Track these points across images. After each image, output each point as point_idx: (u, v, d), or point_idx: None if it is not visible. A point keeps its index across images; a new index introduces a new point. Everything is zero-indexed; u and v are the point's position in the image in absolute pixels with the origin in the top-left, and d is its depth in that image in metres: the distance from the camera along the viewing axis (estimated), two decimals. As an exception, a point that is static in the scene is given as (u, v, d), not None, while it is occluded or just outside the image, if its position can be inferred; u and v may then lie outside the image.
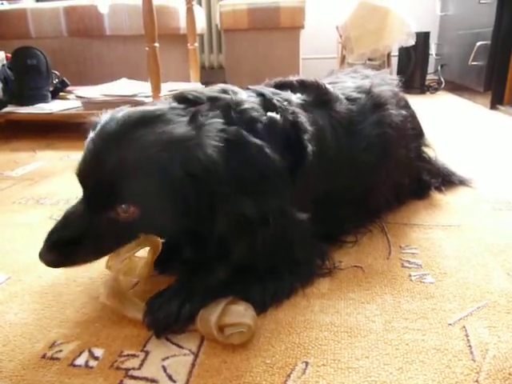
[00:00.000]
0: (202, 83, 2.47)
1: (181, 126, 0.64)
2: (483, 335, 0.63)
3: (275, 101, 0.78)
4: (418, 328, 0.65)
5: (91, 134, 0.66)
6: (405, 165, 1.04)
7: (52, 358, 0.61)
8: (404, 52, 3.33)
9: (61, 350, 0.62)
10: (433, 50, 3.49)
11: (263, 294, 0.70)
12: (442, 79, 3.39)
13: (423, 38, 3.26)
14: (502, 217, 1.04)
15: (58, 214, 1.10)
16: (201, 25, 3.10)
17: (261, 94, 0.80)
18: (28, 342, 0.64)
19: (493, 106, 2.52)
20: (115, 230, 0.65)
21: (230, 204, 0.64)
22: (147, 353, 0.61)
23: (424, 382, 0.55)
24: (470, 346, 0.61)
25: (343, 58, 3.26)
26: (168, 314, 0.64)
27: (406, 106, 1.10)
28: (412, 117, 1.12)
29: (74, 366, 0.59)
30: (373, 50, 3.07)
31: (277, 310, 0.70)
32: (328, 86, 0.92)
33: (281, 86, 0.90)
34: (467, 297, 0.72)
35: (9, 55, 2.15)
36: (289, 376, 0.56)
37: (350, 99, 0.93)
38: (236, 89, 0.79)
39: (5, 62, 2.15)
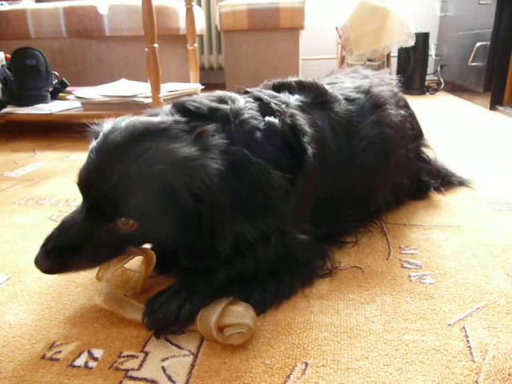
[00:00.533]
0: (202, 84, 2.47)
1: (186, 145, 0.65)
2: (483, 336, 0.63)
3: (273, 104, 0.78)
4: (418, 328, 0.65)
5: (94, 144, 0.66)
6: (404, 165, 1.04)
7: (51, 359, 0.61)
8: (403, 53, 3.34)
9: (60, 351, 0.62)
10: (432, 50, 3.50)
11: (263, 295, 0.70)
12: (442, 80, 3.39)
13: (423, 38, 3.27)
14: (501, 217, 1.04)
15: (57, 214, 1.10)
16: (200, 25, 3.10)
17: (258, 99, 0.80)
18: (27, 342, 0.64)
19: (492, 107, 2.53)
20: (113, 241, 0.65)
21: (230, 227, 0.65)
22: (147, 353, 0.61)
23: (423, 383, 0.55)
24: (469, 346, 0.61)
25: (343, 59, 3.26)
26: (167, 313, 0.64)
27: (406, 106, 1.10)
28: (411, 117, 1.12)
29: (74, 366, 0.59)
30: (372, 51, 3.08)
31: (276, 311, 0.70)
32: (327, 86, 0.92)
33: (279, 87, 0.90)
34: (467, 297, 0.72)
35: (8, 56, 2.15)
36: (288, 377, 0.56)
37: (349, 99, 0.93)
38: (233, 96, 0.78)
39: (4, 62, 2.15)
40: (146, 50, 1.83)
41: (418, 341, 0.62)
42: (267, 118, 0.75)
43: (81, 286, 0.79)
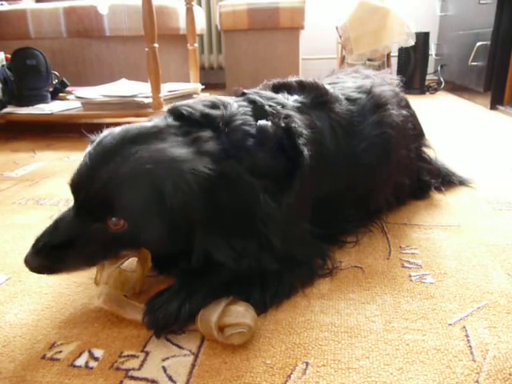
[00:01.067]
0: (202, 84, 2.47)
1: (177, 147, 0.65)
2: (483, 335, 0.63)
3: (267, 107, 0.78)
4: (419, 328, 0.65)
5: (88, 148, 0.67)
6: (405, 165, 1.04)
7: (52, 359, 0.61)
8: (404, 52, 3.33)
9: (61, 351, 0.62)
10: (432, 50, 3.50)
11: (263, 295, 0.70)
12: (442, 79, 3.39)
13: (423, 38, 3.26)
14: (501, 217, 1.04)
15: (57, 214, 1.10)
16: (200, 25, 3.10)
17: (252, 102, 0.79)
18: (28, 342, 0.64)
19: (492, 107, 2.53)
20: (104, 241, 0.65)
21: (202, 240, 0.65)
22: (147, 353, 0.61)
23: (424, 383, 0.55)
24: (470, 346, 0.61)
25: (343, 59, 3.26)
26: (168, 313, 0.64)
27: (407, 106, 1.10)
28: (413, 117, 1.12)
29: (74, 366, 0.59)
30: (372, 51, 3.08)
31: (277, 311, 0.70)
32: (328, 86, 0.92)
33: (279, 88, 0.90)
34: (467, 297, 0.72)
35: (8, 56, 2.15)
36: (289, 376, 0.56)
37: (350, 99, 0.93)
38: (226, 101, 0.78)
39: (4, 62, 2.15)
40: (146, 49, 1.83)
41: (418, 340, 0.62)
42: (259, 122, 0.74)
43: (81, 285, 0.79)
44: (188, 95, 2.27)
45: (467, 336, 0.63)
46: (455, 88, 3.23)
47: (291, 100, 0.84)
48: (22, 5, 2.92)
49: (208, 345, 0.63)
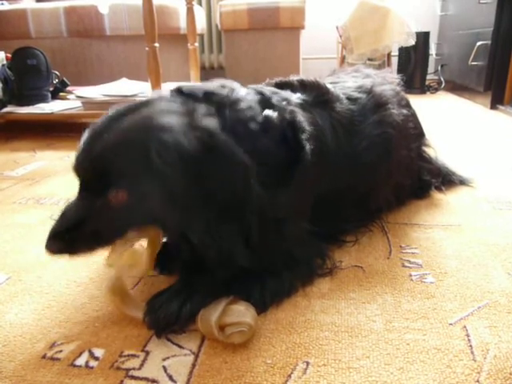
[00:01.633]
0: (202, 83, 2.47)
1: (168, 116, 0.64)
2: (484, 335, 0.63)
3: (274, 100, 0.78)
4: (419, 328, 0.65)
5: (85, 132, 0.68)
6: (406, 165, 1.04)
7: (52, 359, 0.61)
8: (404, 52, 3.33)
9: (61, 351, 0.62)
10: (433, 49, 3.49)
11: (264, 294, 0.70)
12: (442, 79, 3.39)
13: (423, 37, 3.26)
14: (502, 216, 1.04)
15: (58, 213, 1.10)
16: (201, 25, 3.10)
17: (260, 93, 0.79)
18: (28, 342, 0.64)
19: (493, 106, 2.52)
20: (110, 217, 0.63)
21: (178, 217, 0.62)
22: (148, 353, 0.61)
23: (425, 382, 0.55)
24: (470, 345, 0.61)
25: (343, 58, 3.25)
26: (168, 313, 0.64)
27: (408, 105, 1.09)
28: (413, 116, 1.12)
29: (75, 366, 0.59)
30: (372, 50, 3.07)
31: (277, 310, 0.70)
32: (329, 85, 0.92)
33: (281, 86, 0.90)
34: (468, 296, 0.72)
35: (9, 55, 2.15)
36: (289, 376, 0.56)
37: (350, 99, 0.92)
38: (235, 85, 0.77)
39: (5, 62, 2.15)
40: (147, 49, 1.82)
41: (419, 340, 0.62)
42: (266, 111, 0.73)
43: (82, 285, 0.79)
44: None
45: (468, 335, 0.63)
46: (455, 88, 3.22)
47: (294, 97, 0.84)
48: (22, 4, 2.92)
49: (208, 344, 0.63)
